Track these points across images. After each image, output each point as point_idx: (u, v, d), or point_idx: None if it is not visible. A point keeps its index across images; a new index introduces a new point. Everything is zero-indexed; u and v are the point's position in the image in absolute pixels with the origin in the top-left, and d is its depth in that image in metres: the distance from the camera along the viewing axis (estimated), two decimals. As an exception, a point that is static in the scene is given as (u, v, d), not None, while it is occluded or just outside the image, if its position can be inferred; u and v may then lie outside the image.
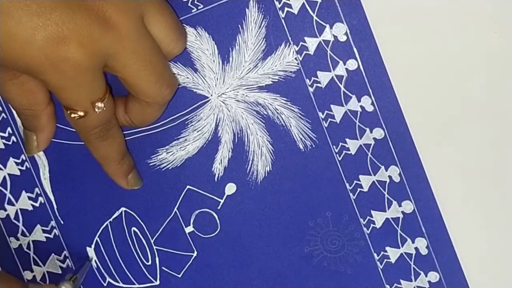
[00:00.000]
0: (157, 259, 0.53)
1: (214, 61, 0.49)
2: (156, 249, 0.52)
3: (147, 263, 0.53)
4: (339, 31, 0.48)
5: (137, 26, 0.42)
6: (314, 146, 0.50)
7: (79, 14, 0.40)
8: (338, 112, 0.49)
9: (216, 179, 0.51)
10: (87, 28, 0.40)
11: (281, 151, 0.50)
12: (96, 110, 0.44)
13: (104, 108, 0.44)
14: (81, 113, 0.43)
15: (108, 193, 0.52)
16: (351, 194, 0.50)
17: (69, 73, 0.40)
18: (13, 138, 0.52)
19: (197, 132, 0.50)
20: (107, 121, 0.45)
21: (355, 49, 0.48)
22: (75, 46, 0.40)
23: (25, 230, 0.53)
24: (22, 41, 0.39)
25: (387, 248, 0.51)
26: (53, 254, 0.53)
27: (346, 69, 0.48)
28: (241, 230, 0.52)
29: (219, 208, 0.52)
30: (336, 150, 0.50)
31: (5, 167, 0.52)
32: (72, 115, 0.43)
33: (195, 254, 0.52)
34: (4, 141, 0.52)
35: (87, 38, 0.40)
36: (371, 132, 0.49)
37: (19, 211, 0.53)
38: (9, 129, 0.52)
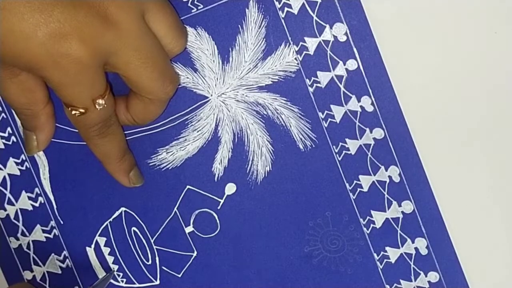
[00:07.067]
0: (157, 258, 0.53)
1: (214, 61, 0.49)
2: (156, 248, 0.52)
3: (147, 263, 0.53)
4: (339, 31, 0.48)
5: (139, 23, 0.42)
6: (314, 146, 0.50)
7: (81, 12, 0.40)
8: (338, 112, 0.49)
9: (216, 179, 0.51)
10: (89, 25, 0.40)
11: (281, 151, 0.50)
12: (97, 107, 0.44)
13: (105, 105, 0.44)
14: (82, 110, 0.43)
15: (108, 193, 0.52)
16: (351, 194, 0.50)
17: (70, 69, 0.40)
18: (13, 138, 0.52)
19: (197, 132, 0.51)
20: (107, 118, 0.45)
21: (355, 49, 0.48)
22: (76, 43, 0.40)
23: (25, 230, 0.53)
24: (24, 37, 0.39)
25: (387, 248, 0.51)
26: (53, 254, 0.53)
27: (346, 69, 0.48)
28: (241, 230, 0.52)
29: (219, 208, 0.52)
30: (336, 150, 0.50)
31: (5, 167, 0.52)
32: (73, 112, 0.44)
33: (195, 254, 0.52)
34: (4, 141, 0.52)
35: (88, 35, 0.40)
36: (371, 132, 0.49)
37: (19, 211, 0.53)
38: (9, 129, 0.52)
